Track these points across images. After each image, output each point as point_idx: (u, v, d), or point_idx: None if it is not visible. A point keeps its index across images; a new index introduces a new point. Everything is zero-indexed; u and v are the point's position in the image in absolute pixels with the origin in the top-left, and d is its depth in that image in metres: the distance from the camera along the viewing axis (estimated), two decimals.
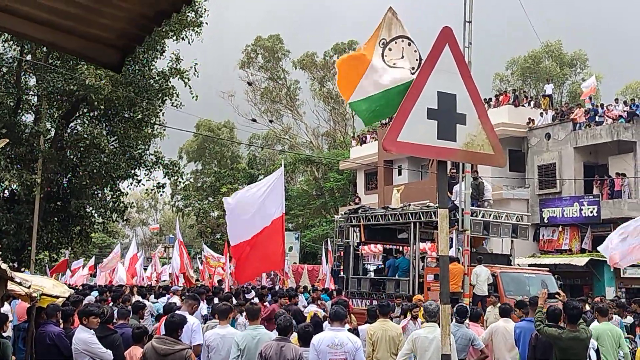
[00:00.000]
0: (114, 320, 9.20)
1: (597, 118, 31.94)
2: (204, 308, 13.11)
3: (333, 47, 58.29)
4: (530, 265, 24.55)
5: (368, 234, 21.38)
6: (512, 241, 19.59)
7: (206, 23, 21.90)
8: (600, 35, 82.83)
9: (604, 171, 31.89)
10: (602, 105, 34.08)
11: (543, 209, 32.19)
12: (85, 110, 22.80)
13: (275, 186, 14.40)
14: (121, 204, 23.44)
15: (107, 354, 8.04)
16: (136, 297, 15.54)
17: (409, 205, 20.52)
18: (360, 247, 22.29)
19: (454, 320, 9.20)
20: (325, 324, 9.28)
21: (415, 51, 5.71)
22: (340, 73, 6.28)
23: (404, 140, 4.85)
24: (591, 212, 30.33)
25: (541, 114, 34.84)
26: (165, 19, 2.46)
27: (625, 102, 33.69)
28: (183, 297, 13.22)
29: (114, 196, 23.41)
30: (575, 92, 51.04)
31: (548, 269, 20.53)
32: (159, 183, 23.26)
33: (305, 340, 7.73)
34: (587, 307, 15.32)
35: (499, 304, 13.98)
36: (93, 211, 23.65)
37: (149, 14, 2.41)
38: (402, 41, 5.74)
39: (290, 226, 50.42)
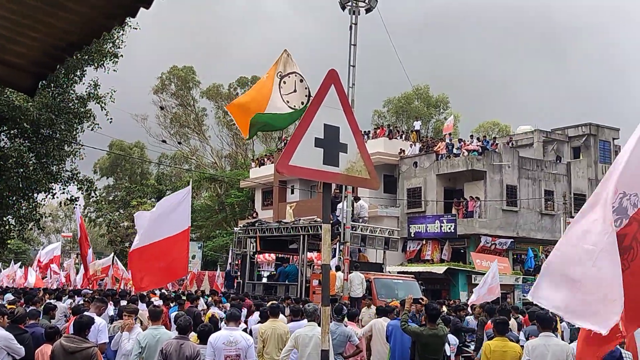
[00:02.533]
0: (25, 321, 8.71)
1: (455, 151, 33.32)
2: (110, 310, 12.58)
3: (237, 80, 58.03)
4: (399, 272, 25.14)
5: (263, 244, 21.28)
6: (384, 252, 20.02)
7: (122, 55, 21.25)
8: (462, 82, 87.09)
9: (460, 195, 33.24)
10: (459, 140, 35.64)
11: (410, 225, 33.11)
12: (5, 128, 21.42)
13: (183, 201, 13.95)
14: (37, 214, 22.13)
15: (22, 350, 7.81)
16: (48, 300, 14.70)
17: (300, 220, 20.61)
18: (255, 255, 22.13)
19: (334, 319, 9.26)
20: (222, 323, 9.11)
21: (305, 88, 5.78)
22: (237, 114, 6.32)
23: (295, 164, 4.85)
24: (449, 228, 31.51)
25: (411, 146, 36.00)
26: (76, 50, 2.36)
27: (478, 139, 35.38)
28: (87, 299, 12.64)
29: (31, 207, 22.07)
30: (439, 129, 53.25)
31: (413, 276, 21.11)
32: (72, 196, 22.14)
33: (203, 339, 7.56)
34: (444, 309, 15.89)
35: (372, 305, 14.26)
36: (11, 220, 22.19)
37: (61, 45, 2.30)
38: (295, 76, 5.81)
39: (194, 236, 49.41)
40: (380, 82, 75.58)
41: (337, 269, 16.91)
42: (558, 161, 35.99)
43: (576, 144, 37.21)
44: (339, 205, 18.15)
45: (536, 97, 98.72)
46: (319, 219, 19.14)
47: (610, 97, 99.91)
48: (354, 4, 17.86)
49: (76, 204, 22.90)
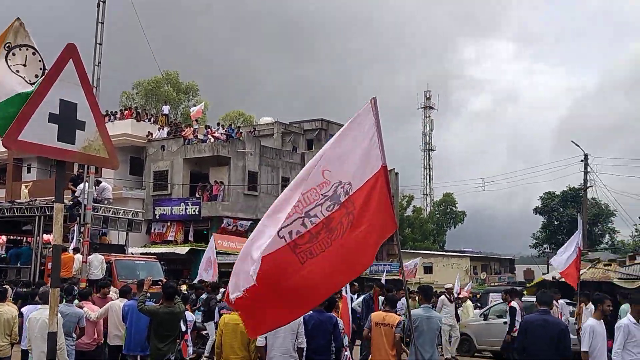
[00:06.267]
0: None
1: (202, 136, 33.48)
2: None
3: None
4: (142, 254, 24.45)
5: None
6: (127, 233, 19.34)
7: None
8: (210, 70, 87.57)
9: (206, 179, 33.55)
10: (206, 126, 35.88)
11: (156, 207, 32.50)
12: None
13: None
14: None
15: None
16: None
17: (35, 200, 18.88)
18: None
19: (64, 301, 8.68)
20: None
21: (39, 61, 5.26)
22: None
23: (25, 139, 4.40)
24: (194, 211, 31.66)
25: (159, 129, 35.20)
26: None
27: (223, 126, 36.03)
28: None
29: None
30: (187, 114, 52.85)
31: (156, 257, 20.75)
32: None
33: None
34: (184, 287, 16.02)
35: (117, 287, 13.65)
36: None
37: None
38: (27, 49, 5.25)
39: None
40: (131, 64, 72.35)
41: (76, 250, 15.85)
42: (294, 151, 38.38)
43: (310, 137, 40.07)
44: (80, 186, 16.99)
45: (278, 90, 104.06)
46: None
47: (341, 94, 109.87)
48: None
49: None
